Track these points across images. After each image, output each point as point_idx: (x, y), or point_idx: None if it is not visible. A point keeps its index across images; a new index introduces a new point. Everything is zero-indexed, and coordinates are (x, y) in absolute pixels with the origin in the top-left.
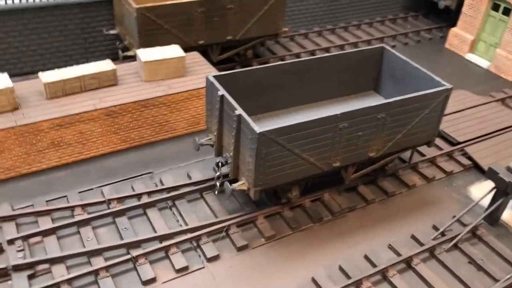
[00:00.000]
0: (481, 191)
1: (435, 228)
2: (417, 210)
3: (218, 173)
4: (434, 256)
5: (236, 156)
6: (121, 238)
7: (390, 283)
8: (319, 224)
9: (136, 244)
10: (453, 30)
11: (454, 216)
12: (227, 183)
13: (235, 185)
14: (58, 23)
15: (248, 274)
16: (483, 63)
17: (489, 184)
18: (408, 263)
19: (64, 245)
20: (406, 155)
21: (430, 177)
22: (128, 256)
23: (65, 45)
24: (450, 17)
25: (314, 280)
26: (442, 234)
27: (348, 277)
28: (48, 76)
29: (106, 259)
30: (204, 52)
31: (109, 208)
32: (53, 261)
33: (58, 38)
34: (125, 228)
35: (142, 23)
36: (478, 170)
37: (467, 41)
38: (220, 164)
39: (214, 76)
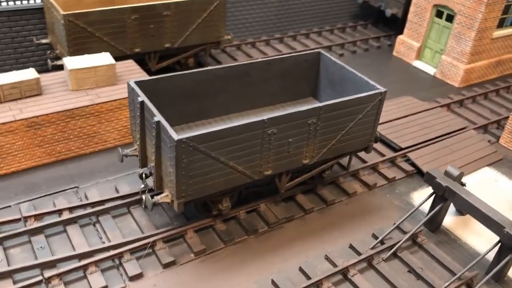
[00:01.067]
0: (424, 197)
1: (375, 236)
2: (357, 219)
3: (142, 186)
4: (372, 266)
5: (158, 166)
6: (36, 258)
7: None
8: (254, 237)
9: (52, 264)
10: (400, 37)
11: (394, 224)
12: (147, 195)
13: (157, 198)
14: None
15: None
16: (430, 69)
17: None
18: (344, 274)
19: None
20: (346, 162)
21: (372, 184)
22: (40, 278)
23: None
24: (397, 25)
25: None
26: (382, 242)
27: None
28: None
29: (15, 282)
30: (142, 60)
31: (25, 226)
32: None
33: None
34: (41, 247)
35: (70, 31)
36: (421, 176)
37: (414, 48)
38: (144, 175)
39: (136, 82)
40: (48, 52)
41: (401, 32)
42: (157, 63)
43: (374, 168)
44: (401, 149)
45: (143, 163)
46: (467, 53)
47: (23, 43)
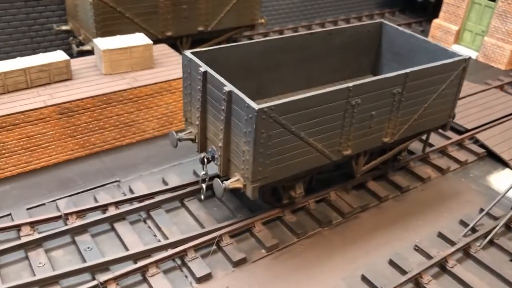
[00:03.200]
0: (502, 180)
1: (464, 223)
2: (437, 205)
3: (203, 172)
4: (470, 255)
5: (226, 147)
6: (84, 261)
7: None
8: (328, 229)
9: (104, 267)
10: (436, 21)
11: (482, 209)
12: (217, 180)
13: (227, 183)
14: None
15: None
16: (471, 53)
17: (510, 173)
18: (442, 266)
19: (8, 276)
20: (412, 146)
21: (445, 168)
22: (95, 283)
23: (9, 45)
24: (427, 11)
25: None
26: (473, 229)
27: (375, 287)
28: None
29: None
30: (173, 46)
31: (66, 225)
32: None
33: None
34: (88, 248)
35: (99, 11)
36: (493, 158)
37: (452, 32)
38: (205, 160)
39: (193, 52)
40: (71, 38)
41: (432, 18)
42: (189, 48)
43: (443, 151)
44: (467, 130)
45: (202, 147)
46: None
47: (40, 31)
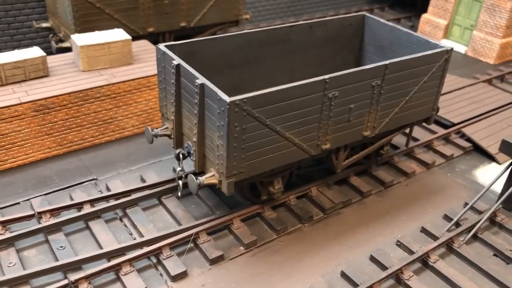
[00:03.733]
0: (488, 174)
1: (448, 218)
2: (422, 200)
3: (179, 168)
4: (453, 250)
5: (201, 142)
6: (56, 260)
7: (408, 287)
8: (309, 225)
9: (76, 266)
10: (425, 16)
11: (467, 204)
12: (191, 176)
13: (202, 178)
14: None
15: None
16: (460, 47)
17: (496, 167)
18: (424, 261)
19: None
20: (397, 141)
21: (430, 163)
22: (65, 282)
23: None
24: (417, 6)
25: None
26: (457, 224)
27: (355, 284)
28: None
29: None
30: (156, 42)
31: (39, 223)
32: None
33: None
34: (61, 246)
35: (77, 7)
36: (480, 153)
37: (440, 27)
38: (181, 156)
39: (167, 46)
40: (51, 35)
41: (421, 13)
42: None
43: (428, 146)
44: (453, 124)
45: (178, 143)
46: (503, 26)
47: (20, 29)
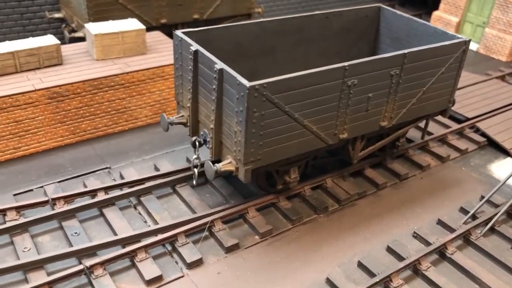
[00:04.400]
0: (503, 169)
1: (464, 211)
2: (437, 193)
3: (195, 156)
4: (470, 242)
5: (218, 128)
6: (71, 246)
7: (425, 277)
8: (324, 215)
9: (91, 252)
10: (436, 13)
11: (483, 197)
12: (208, 162)
13: (219, 165)
14: None
15: (243, 281)
16: (471, 45)
17: (511, 162)
18: (442, 252)
19: None
20: (411, 134)
21: (445, 157)
22: (81, 267)
23: (1, 33)
24: (427, 5)
25: (330, 282)
26: (473, 217)
27: (372, 274)
28: None
29: (49, 274)
30: (168, 35)
31: (53, 210)
32: None
33: None
34: (76, 233)
35: None
36: (494, 147)
37: (452, 24)
38: (197, 143)
39: (184, 32)
40: (64, 25)
41: (431, 11)
42: None
43: (442, 140)
44: (467, 119)
45: (194, 130)
46: None
47: (33, 19)
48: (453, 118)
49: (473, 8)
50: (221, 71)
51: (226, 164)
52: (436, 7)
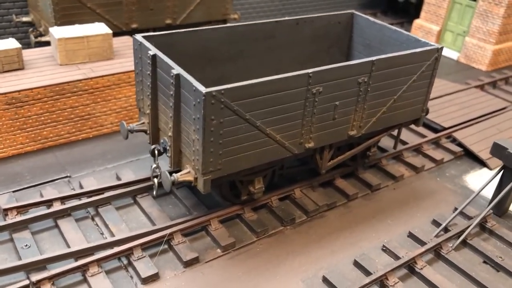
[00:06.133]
0: (479, 180)
1: (436, 223)
2: (410, 205)
3: (154, 165)
4: (441, 256)
5: (176, 136)
6: (20, 259)
7: None
8: (291, 227)
9: (40, 265)
10: (417, 22)
11: (456, 209)
12: (165, 172)
13: (176, 176)
14: None
15: None
16: (452, 54)
17: (487, 173)
18: (411, 267)
19: None
20: (385, 144)
21: (419, 167)
22: (26, 282)
23: None
24: (410, 13)
25: None
26: (445, 229)
27: None
28: None
29: None
30: None
31: (4, 220)
32: None
33: None
34: (26, 245)
35: (58, 0)
36: (471, 158)
37: (433, 32)
38: (156, 152)
39: (144, 36)
40: (30, 29)
41: (414, 19)
42: None
43: (418, 149)
44: (444, 129)
45: (155, 138)
46: (495, 32)
47: (1, 23)
48: (429, 127)
49: (453, 17)
50: (177, 76)
51: (185, 174)
52: (418, 16)
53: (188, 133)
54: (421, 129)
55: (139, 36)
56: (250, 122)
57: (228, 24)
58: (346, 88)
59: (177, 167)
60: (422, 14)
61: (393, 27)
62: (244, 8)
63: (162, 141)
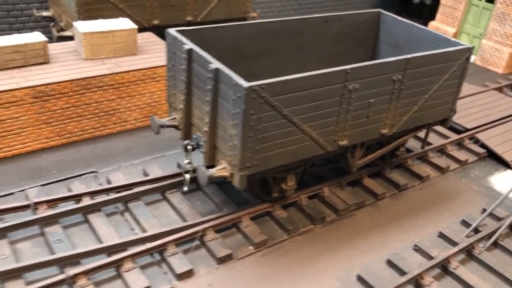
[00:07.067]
0: (504, 181)
1: (465, 223)
2: (437, 205)
3: (186, 161)
4: (473, 256)
5: (212, 131)
6: (53, 253)
7: None
8: (321, 226)
9: (74, 260)
10: (432, 24)
11: (485, 210)
12: (201, 167)
13: (213, 171)
14: None
15: None
16: None
17: (511, 174)
18: (444, 267)
19: None
20: (409, 144)
21: (444, 168)
22: (62, 276)
23: None
24: (424, 14)
25: None
26: (475, 230)
27: None
28: None
29: (28, 283)
30: (160, 36)
31: (35, 214)
32: None
33: None
34: (58, 240)
35: None
36: (494, 159)
37: (448, 34)
38: (189, 148)
39: (178, 31)
40: (52, 24)
41: (428, 21)
42: None
43: (441, 150)
44: (466, 130)
45: (187, 134)
46: None
47: (20, 17)
48: (451, 128)
49: (470, 19)
50: (216, 70)
51: (220, 170)
52: (432, 18)
53: (225, 128)
54: (443, 130)
55: (173, 31)
56: (287, 118)
57: (257, 21)
58: (381, 85)
59: (211, 162)
60: (438, 16)
61: (422, 26)
62: (260, 7)
63: (194, 136)
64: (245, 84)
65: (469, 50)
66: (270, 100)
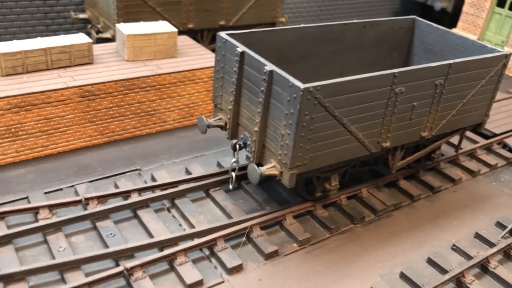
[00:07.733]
0: None
1: (500, 225)
2: (471, 207)
3: (234, 160)
4: (511, 257)
5: (262, 131)
6: (106, 247)
7: None
8: (361, 225)
9: (128, 254)
10: (453, 31)
11: None
12: (253, 165)
13: (263, 169)
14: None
15: None
16: None
17: None
18: (484, 266)
19: (25, 258)
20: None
21: (475, 171)
22: (120, 269)
23: (24, 31)
24: (444, 21)
25: None
26: (511, 232)
27: (416, 286)
28: (4, 46)
29: (87, 274)
30: (193, 39)
31: (86, 210)
32: (10, 277)
33: (15, 22)
34: (111, 234)
35: None
36: None
37: None
38: (238, 147)
39: (228, 34)
40: (89, 26)
41: (449, 28)
42: (209, 43)
43: (471, 154)
44: (495, 135)
45: (233, 134)
46: None
47: (56, 19)
48: (479, 133)
49: (492, 27)
50: (271, 72)
51: (270, 168)
52: (453, 26)
53: (276, 128)
54: (472, 135)
55: (224, 34)
56: (337, 119)
57: (301, 25)
58: (424, 89)
59: (258, 160)
60: (460, 23)
61: (458, 33)
62: (285, 12)
63: (242, 136)
64: (301, 85)
65: (507, 57)
66: (323, 101)
